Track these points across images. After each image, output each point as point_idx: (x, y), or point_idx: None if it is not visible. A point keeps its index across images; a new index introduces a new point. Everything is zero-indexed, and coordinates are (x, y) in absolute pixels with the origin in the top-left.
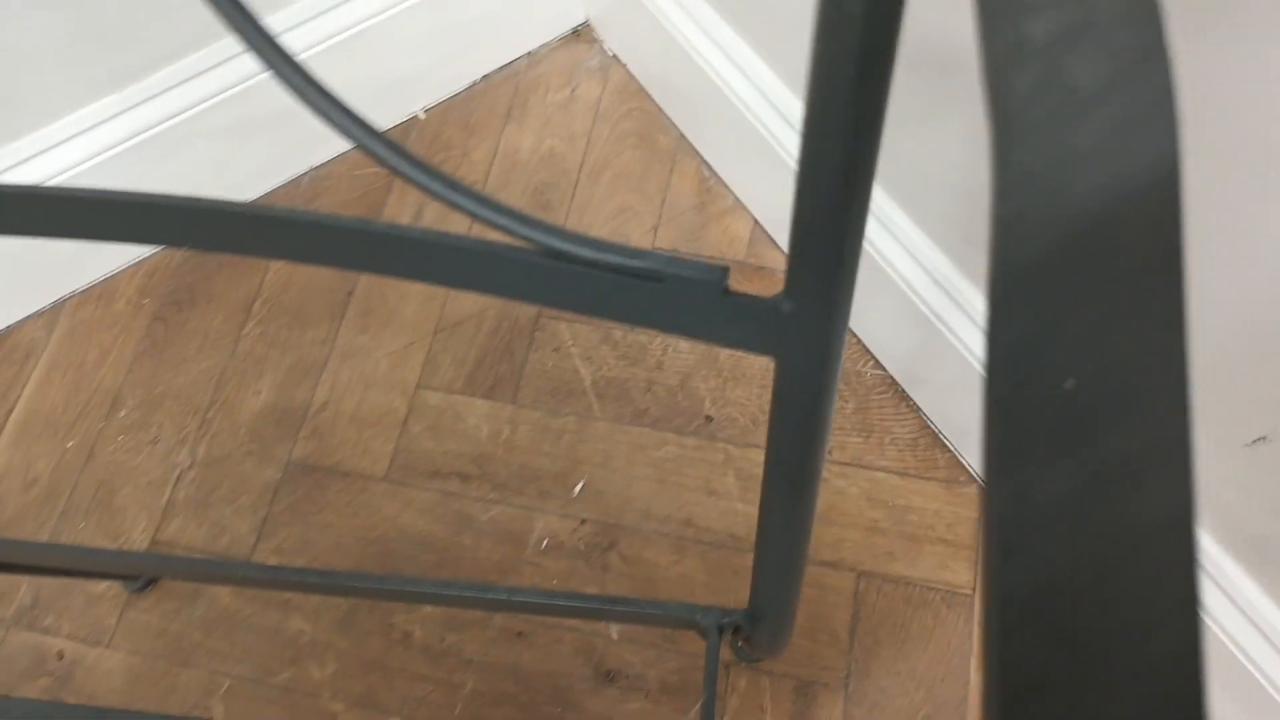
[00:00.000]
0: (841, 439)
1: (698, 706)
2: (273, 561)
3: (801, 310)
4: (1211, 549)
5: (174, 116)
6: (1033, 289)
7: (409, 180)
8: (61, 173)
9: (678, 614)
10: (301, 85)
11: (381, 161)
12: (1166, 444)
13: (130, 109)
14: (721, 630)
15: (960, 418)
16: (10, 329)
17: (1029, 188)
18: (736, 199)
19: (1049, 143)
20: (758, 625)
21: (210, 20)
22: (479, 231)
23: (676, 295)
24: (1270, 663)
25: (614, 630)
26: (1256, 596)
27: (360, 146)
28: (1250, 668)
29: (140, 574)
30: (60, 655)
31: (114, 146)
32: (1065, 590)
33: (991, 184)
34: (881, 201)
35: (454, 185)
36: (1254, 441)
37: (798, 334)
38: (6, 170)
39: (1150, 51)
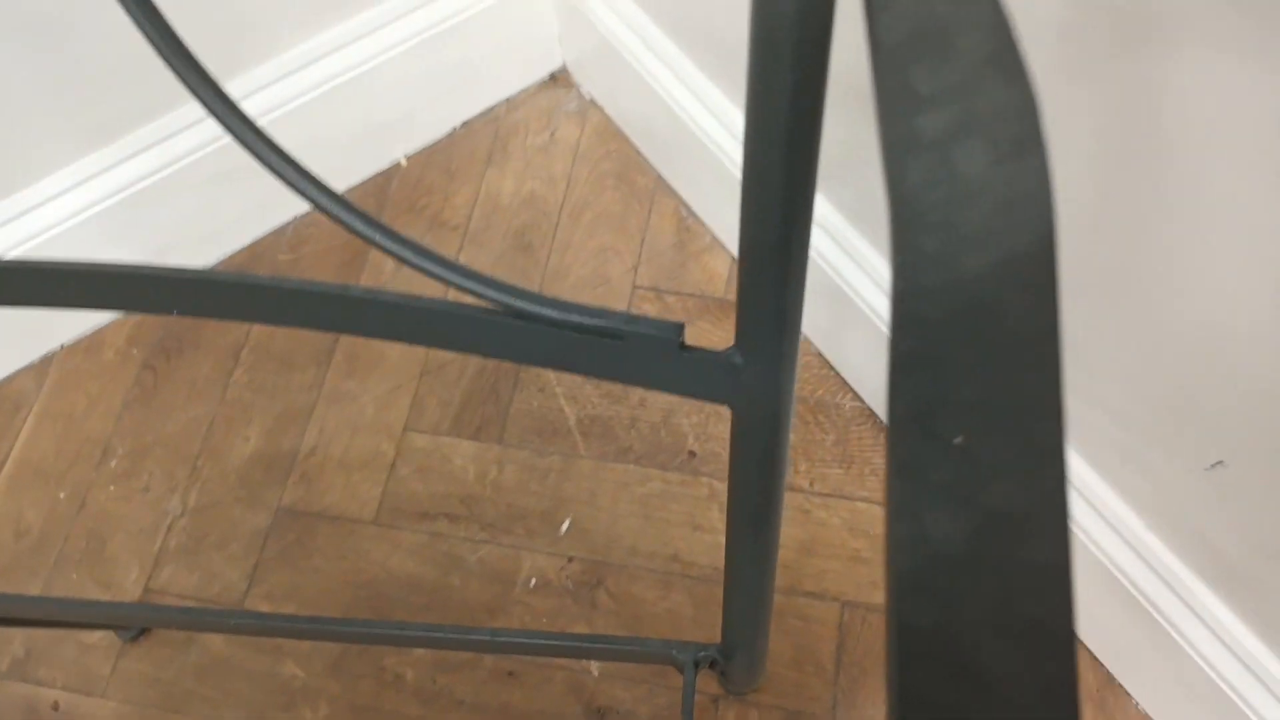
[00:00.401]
0: (822, 470)
1: None
2: (264, 607)
3: (751, 362)
4: (1181, 571)
5: (159, 171)
6: (927, 357)
7: (380, 248)
8: (49, 229)
9: (655, 650)
10: (268, 155)
11: (351, 229)
12: (1046, 493)
13: (115, 165)
14: (697, 664)
15: None
16: (0, 382)
17: (922, 266)
18: (714, 237)
19: (940, 226)
20: (731, 659)
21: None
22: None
23: (636, 351)
24: (1240, 680)
25: (594, 668)
26: (1225, 615)
27: (336, 220)
28: (1220, 683)
29: (133, 624)
30: (55, 706)
31: (99, 202)
32: (957, 626)
33: (891, 262)
34: (852, 237)
35: (424, 252)
36: (1213, 466)
37: (749, 384)
38: None
39: (1028, 141)
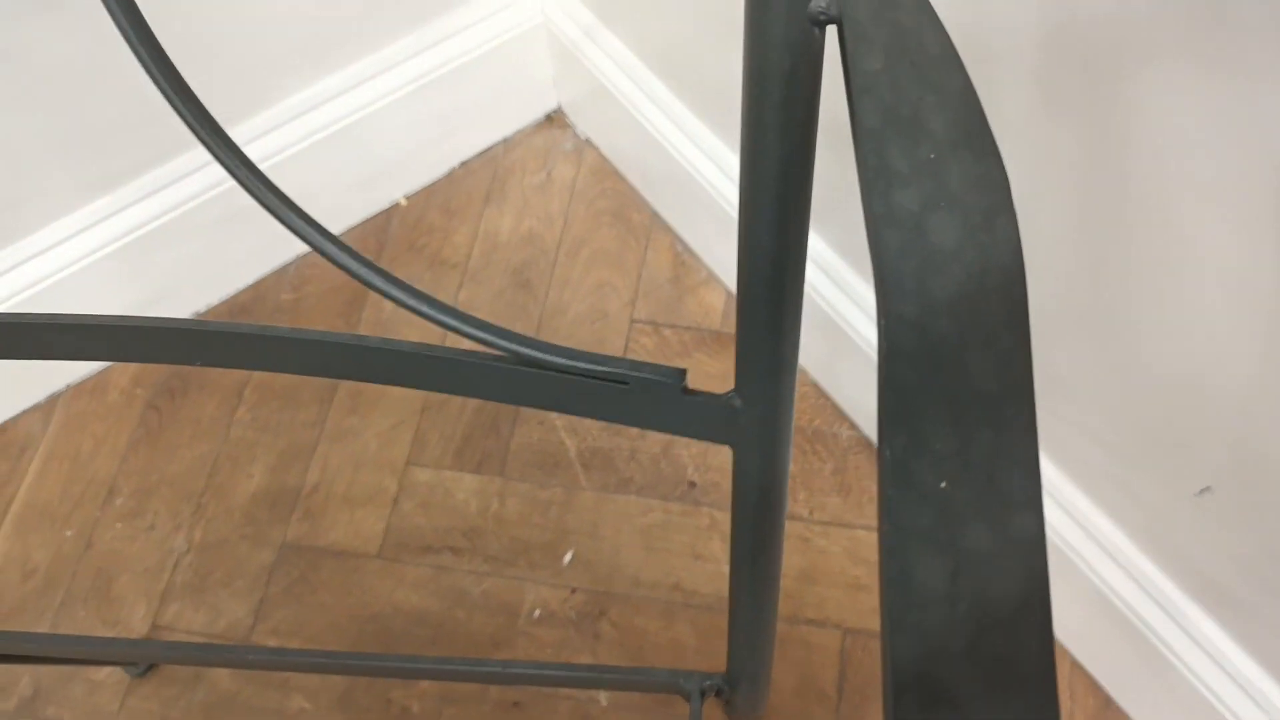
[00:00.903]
0: (821, 499)
1: None
2: (271, 642)
3: (750, 404)
4: (1174, 594)
5: (159, 216)
6: (911, 412)
7: (380, 292)
8: (52, 275)
9: (661, 679)
10: (269, 199)
11: (349, 272)
12: (1022, 534)
13: (116, 212)
14: (703, 693)
15: None
16: (6, 423)
17: (902, 331)
18: (710, 272)
19: (916, 293)
20: (736, 688)
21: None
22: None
23: (640, 395)
24: (1234, 699)
25: (603, 698)
26: (1218, 635)
27: (336, 264)
28: (1217, 704)
29: (142, 660)
30: None
31: (102, 248)
32: (943, 656)
33: (877, 325)
34: (844, 271)
35: (421, 296)
36: (1200, 492)
37: (749, 425)
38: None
39: (997, 212)
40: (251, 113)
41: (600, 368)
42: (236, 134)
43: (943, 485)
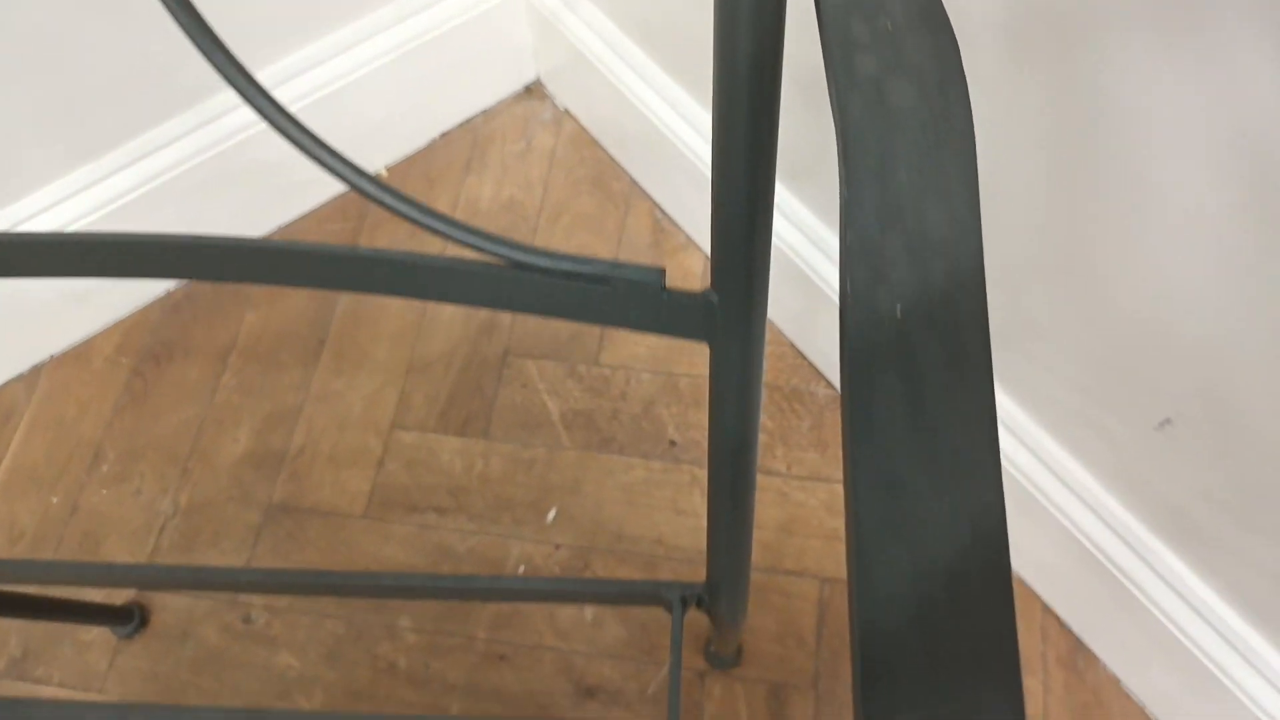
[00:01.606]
0: (799, 454)
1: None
2: (258, 602)
3: (726, 300)
4: (1139, 530)
5: (146, 183)
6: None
7: (397, 212)
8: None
9: (644, 590)
10: (297, 135)
11: (372, 198)
12: (979, 507)
13: (104, 178)
14: (685, 601)
15: None
16: None
17: (865, 178)
18: (688, 237)
19: (878, 150)
20: (716, 595)
21: (175, 91)
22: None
23: (623, 294)
24: (1198, 630)
25: (588, 612)
26: (1182, 569)
27: (353, 187)
28: (1182, 638)
29: (139, 586)
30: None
31: (88, 214)
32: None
33: (840, 186)
34: (821, 230)
35: (431, 213)
36: (1161, 424)
37: (725, 320)
38: None
39: (949, 80)
40: (287, 51)
41: (583, 268)
42: (216, 102)
43: (907, 422)
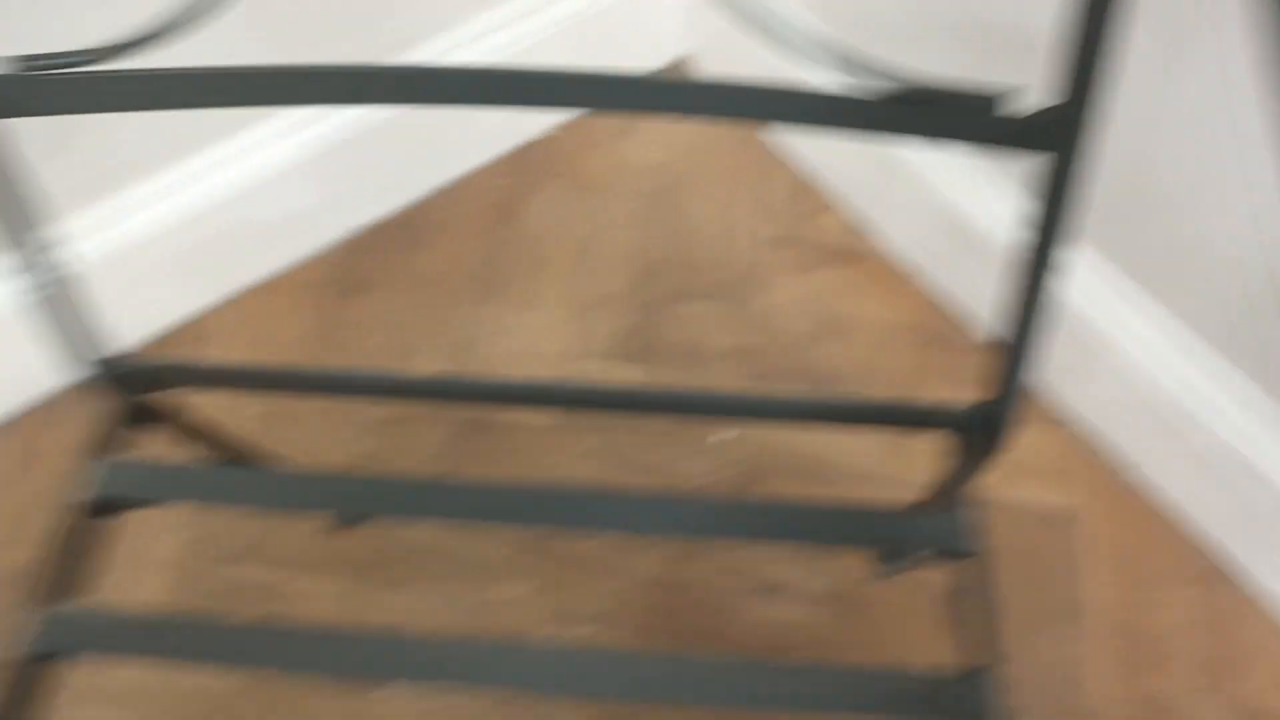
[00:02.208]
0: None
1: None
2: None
3: (1068, 110)
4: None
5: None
6: None
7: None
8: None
9: (922, 411)
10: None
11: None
12: None
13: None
14: (971, 423)
15: None
16: (191, 318)
17: None
18: (828, 199)
19: None
20: (995, 415)
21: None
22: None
23: (962, 114)
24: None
25: (764, 552)
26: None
27: None
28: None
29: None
30: (277, 585)
31: (296, 154)
32: None
33: None
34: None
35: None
36: None
37: (1065, 129)
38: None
39: None
40: (432, 35)
41: (931, 88)
42: (419, 53)
43: None
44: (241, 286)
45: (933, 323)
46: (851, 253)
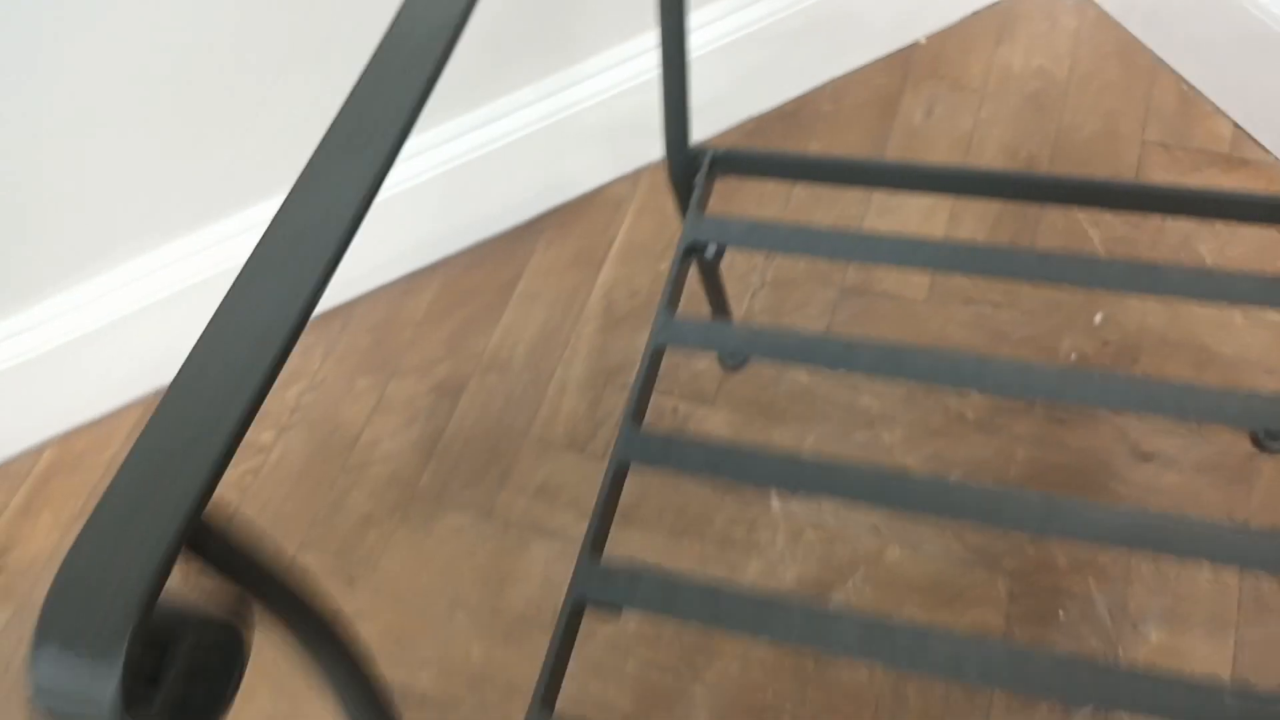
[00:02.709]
0: None
1: None
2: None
3: None
4: None
5: (741, 28)
6: None
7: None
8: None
9: None
10: None
11: None
12: None
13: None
14: None
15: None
16: (602, 188)
17: None
18: (1215, 106)
19: None
20: None
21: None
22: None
23: None
24: None
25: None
26: None
27: None
28: None
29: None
30: (675, 410)
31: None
32: None
33: None
34: None
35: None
36: None
37: None
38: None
39: None
40: None
41: None
42: None
43: None
44: (644, 163)
45: None
46: (1240, 159)
